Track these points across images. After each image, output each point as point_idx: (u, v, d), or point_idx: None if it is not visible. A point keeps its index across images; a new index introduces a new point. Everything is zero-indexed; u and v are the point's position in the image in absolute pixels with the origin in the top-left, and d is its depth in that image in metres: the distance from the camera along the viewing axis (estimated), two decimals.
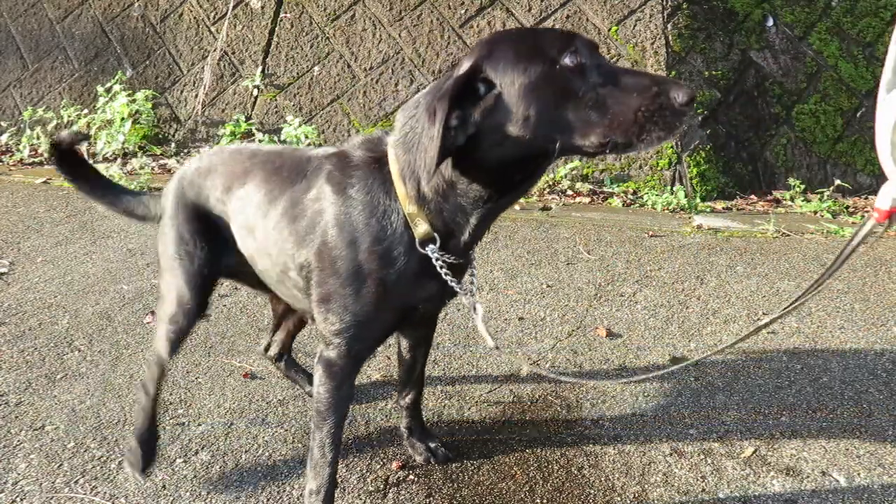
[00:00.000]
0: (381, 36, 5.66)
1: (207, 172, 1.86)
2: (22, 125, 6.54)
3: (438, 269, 1.50)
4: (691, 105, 1.28)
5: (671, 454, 2.08)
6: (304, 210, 1.60)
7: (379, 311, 1.54)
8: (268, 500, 1.91)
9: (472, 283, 1.67)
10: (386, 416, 2.26)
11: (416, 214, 1.46)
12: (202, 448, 2.13)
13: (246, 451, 2.11)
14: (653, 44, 4.95)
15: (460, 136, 1.31)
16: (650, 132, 1.27)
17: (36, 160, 6.05)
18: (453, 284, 1.54)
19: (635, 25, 5.03)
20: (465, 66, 1.35)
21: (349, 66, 5.69)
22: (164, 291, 1.92)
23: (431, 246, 1.47)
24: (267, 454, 2.10)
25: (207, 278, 1.87)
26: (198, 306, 1.87)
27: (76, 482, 1.97)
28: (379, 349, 2.13)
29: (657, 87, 1.27)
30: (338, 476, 2.00)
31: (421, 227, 1.46)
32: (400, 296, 1.54)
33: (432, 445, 2.05)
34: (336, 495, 1.91)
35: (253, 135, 5.72)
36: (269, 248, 1.70)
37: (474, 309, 1.64)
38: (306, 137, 5.43)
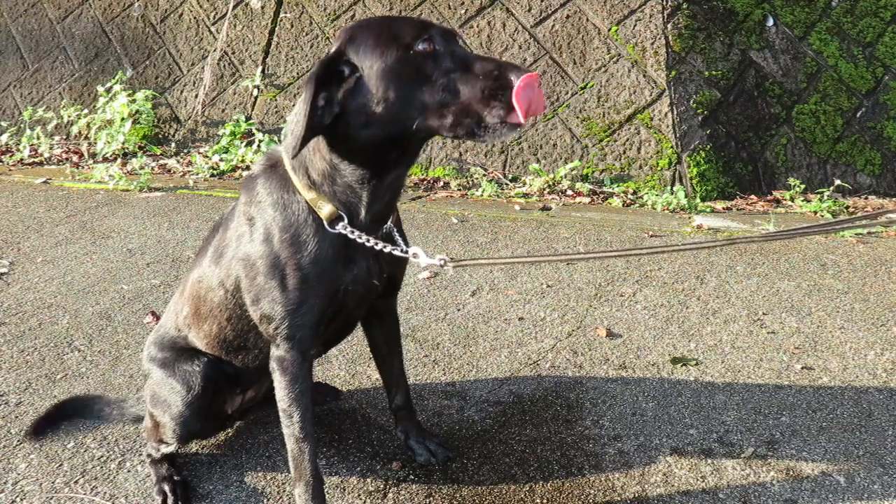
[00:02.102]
0: None
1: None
2: (22, 125, 6.54)
3: (357, 238, 1.57)
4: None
5: (671, 454, 2.08)
6: (228, 244, 1.73)
7: (304, 295, 1.61)
8: (268, 500, 1.91)
9: (394, 236, 1.70)
10: (386, 416, 2.26)
11: (316, 199, 1.57)
12: (202, 448, 2.13)
13: (246, 451, 2.11)
14: (653, 44, 4.95)
15: (326, 115, 1.43)
16: (492, 116, 1.36)
17: (36, 160, 6.05)
18: (371, 245, 1.59)
19: (635, 25, 5.03)
20: (331, 50, 1.46)
21: None
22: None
23: (342, 223, 1.57)
24: (267, 454, 2.10)
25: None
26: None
27: (76, 482, 1.97)
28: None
29: (498, 70, 1.37)
30: (329, 474, 2.00)
31: (325, 209, 1.56)
32: (322, 280, 1.61)
33: (431, 446, 2.05)
34: (336, 495, 1.92)
35: (253, 135, 5.72)
36: (215, 299, 1.80)
37: (414, 255, 1.67)
38: None
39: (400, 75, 1.40)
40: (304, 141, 1.42)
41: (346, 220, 1.57)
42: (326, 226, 1.57)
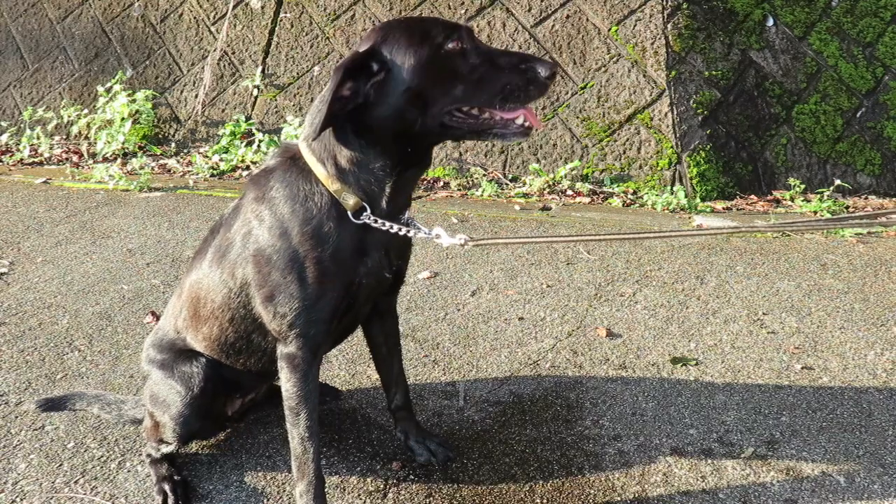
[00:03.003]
0: None
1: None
2: (22, 125, 6.54)
3: (381, 226, 1.61)
4: (553, 78, 1.52)
5: (671, 454, 2.08)
6: (232, 243, 1.72)
7: (323, 289, 1.62)
8: (268, 500, 1.91)
9: (414, 223, 1.74)
10: (386, 416, 2.26)
11: (341, 190, 1.59)
12: (202, 448, 2.13)
13: (246, 451, 2.11)
14: (653, 44, 4.95)
15: (350, 103, 1.49)
16: (519, 99, 1.51)
17: (36, 160, 6.05)
18: (395, 231, 1.63)
19: (635, 25, 5.03)
20: (362, 47, 1.52)
21: None
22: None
23: (366, 213, 1.60)
24: (267, 454, 2.10)
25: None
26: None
27: (76, 482, 1.97)
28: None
29: (525, 63, 1.51)
30: (329, 474, 2.00)
31: (350, 200, 1.59)
32: (339, 272, 1.62)
33: (431, 446, 2.05)
34: (336, 495, 1.92)
35: (253, 135, 5.72)
36: (217, 300, 1.79)
37: (436, 236, 1.73)
38: None
39: (432, 71, 1.48)
40: (324, 126, 1.47)
41: (368, 210, 1.60)
42: (350, 216, 1.59)
